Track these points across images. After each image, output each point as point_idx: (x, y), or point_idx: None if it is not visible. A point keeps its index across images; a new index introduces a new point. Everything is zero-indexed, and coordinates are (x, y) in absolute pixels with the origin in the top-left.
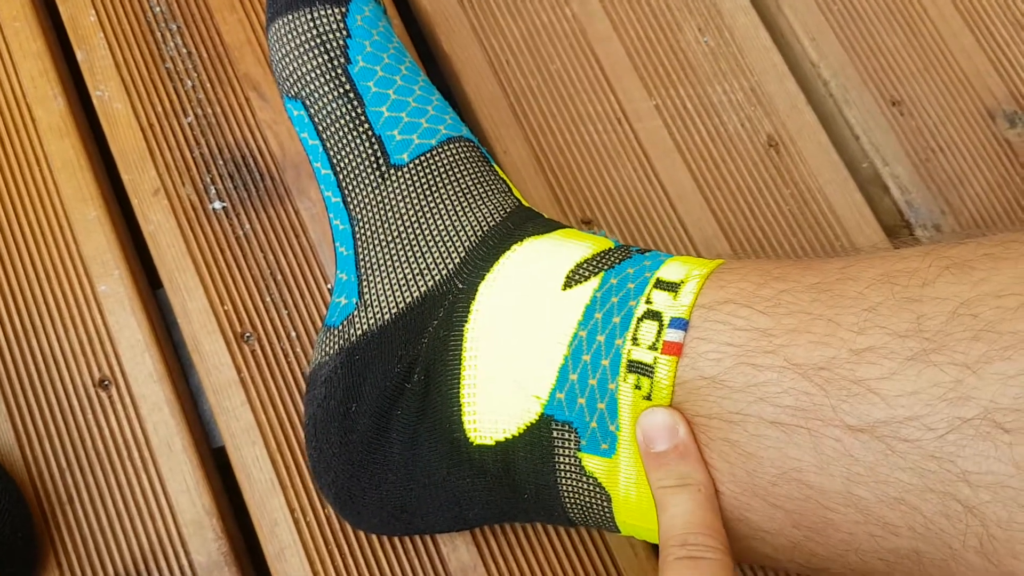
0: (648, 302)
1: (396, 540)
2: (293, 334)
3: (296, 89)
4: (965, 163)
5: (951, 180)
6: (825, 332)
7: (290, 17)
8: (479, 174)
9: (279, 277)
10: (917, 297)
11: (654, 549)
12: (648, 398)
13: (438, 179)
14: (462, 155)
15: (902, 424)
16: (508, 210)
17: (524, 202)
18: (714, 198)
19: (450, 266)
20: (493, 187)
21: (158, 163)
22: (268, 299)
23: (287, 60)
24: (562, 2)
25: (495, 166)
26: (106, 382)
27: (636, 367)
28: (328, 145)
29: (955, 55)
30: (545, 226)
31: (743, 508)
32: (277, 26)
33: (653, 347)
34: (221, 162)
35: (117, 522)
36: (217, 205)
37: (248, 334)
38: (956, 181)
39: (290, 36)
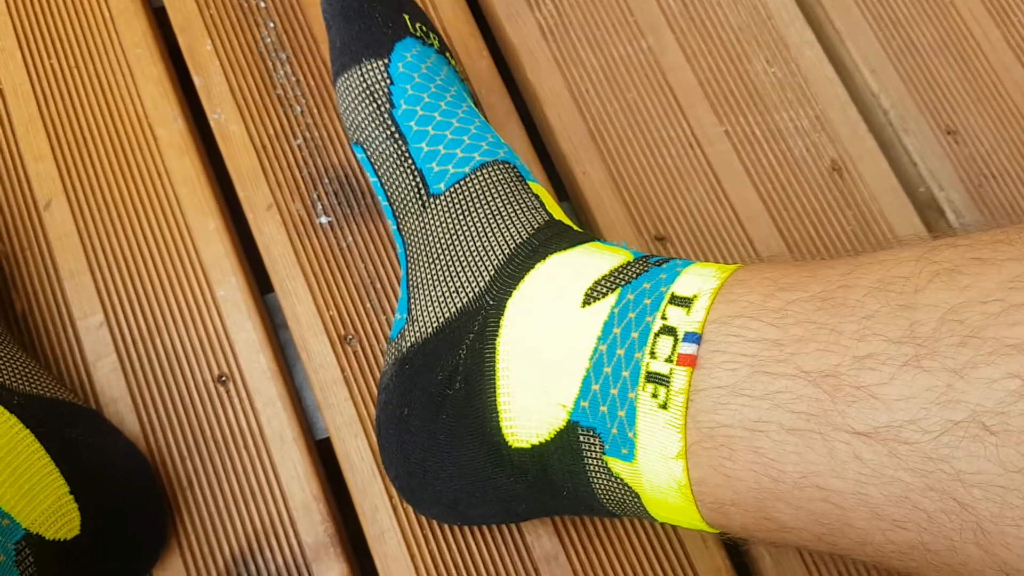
0: (664, 318)
1: (484, 528)
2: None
3: (357, 135)
4: (1017, 189)
5: (1003, 205)
6: (829, 340)
7: (346, 75)
8: (509, 194)
9: (378, 285)
10: (910, 304)
11: (723, 542)
12: (664, 407)
13: (470, 204)
14: (494, 178)
15: (901, 427)
16: (536, 226)
17: (557, 213)
18: (781, 219)
19: (481, 284)
20: (523, 205)
21: (270, 181)
22: (368, 305)
23: (347, 112)
24: (638, 35)
25: (529, 183)
26: (224, 378)
27: (654, 377)
28: (383, 181)
29: (1007, 87)
30: (569, 240)
31: (770, 509)
32: (338, 84)
33: (669, 359)
34: (327, 180)
35: (233, 505)
36: (323, 220)
37: (351, 336)
38: (1008, 206)
39: (347, 91)
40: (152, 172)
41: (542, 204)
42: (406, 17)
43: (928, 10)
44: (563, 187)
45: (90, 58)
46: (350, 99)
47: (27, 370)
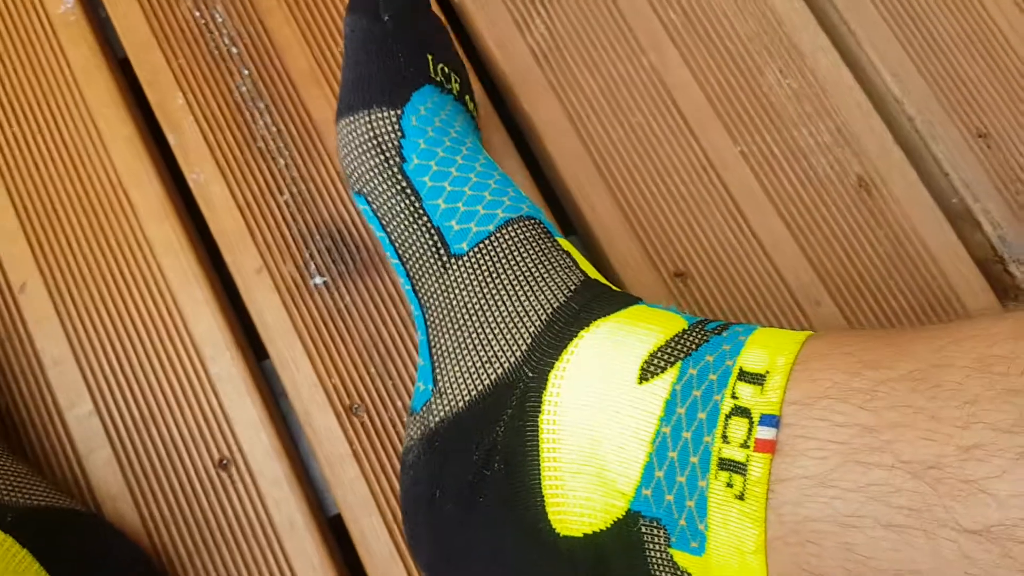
0: (734, 396)
1: None
2: (400, 403)
3: (360, 185)
4: None
5: None
6: (929, 427)
7: (352, 118)
8: (540, 253)
9: (382, 348)
10: (1018, 388)
11: None
12: (741, 497)
13: (498, 265)
14: (521, 236)
15: (1016, 526)
16: (573, 287)
17: (590, 271)
18: (808, 244)
19: (518, 354)
20: (556, 264)
21: (258, 242)
22: (373, 370)
23: (350, 158)
24: (639, 52)
25: (558, 239)
26: (225, 462)
27: (728, 465)
28: (393, 237)
29: None
30: (611, 303)
31: None
32: (341, 125)
33: (744, 445)
34: (318, 237)
35: None
36: (318, 280)
37: (357, 406)
38: None
39: (351, 136)
40: (131, 241)
41: (575, 262)
42: (430, 58)
43: (949, 2)
44: (569, 223)
45: (53, 121)
46: (353, 145)
47: (18, 479)
